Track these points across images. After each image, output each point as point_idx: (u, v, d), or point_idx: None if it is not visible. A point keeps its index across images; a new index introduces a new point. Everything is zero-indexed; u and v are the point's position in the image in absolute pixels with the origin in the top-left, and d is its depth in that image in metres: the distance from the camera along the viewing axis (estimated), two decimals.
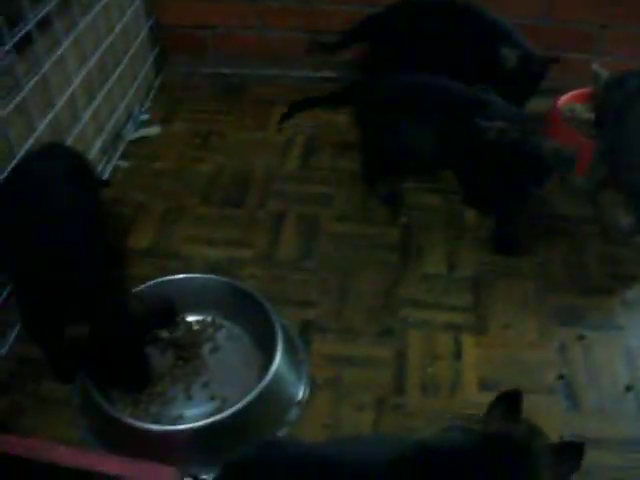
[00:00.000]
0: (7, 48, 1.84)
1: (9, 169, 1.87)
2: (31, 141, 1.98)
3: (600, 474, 1.61)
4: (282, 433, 1.70)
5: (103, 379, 1.68)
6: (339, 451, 1.33)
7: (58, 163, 1.90)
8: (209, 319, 1.94)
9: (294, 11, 2.87)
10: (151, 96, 2.91)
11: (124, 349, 1.63)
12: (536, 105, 2.56)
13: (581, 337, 1.94)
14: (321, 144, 2.64)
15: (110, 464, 1.25)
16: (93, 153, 2.40)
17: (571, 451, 1.28)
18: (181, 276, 1.96)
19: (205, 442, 1.62)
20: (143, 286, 1.89)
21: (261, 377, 1.70)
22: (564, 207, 2.36)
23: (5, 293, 1.89)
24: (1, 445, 1.27)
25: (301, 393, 1.78)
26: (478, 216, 2.31)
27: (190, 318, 1.94)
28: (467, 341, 1.93)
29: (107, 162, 2.53)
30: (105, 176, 2.47)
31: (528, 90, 2.52)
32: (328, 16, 2.83)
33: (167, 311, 1.70)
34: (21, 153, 1.93)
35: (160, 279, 1.93)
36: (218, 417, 1.61)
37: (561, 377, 1.83)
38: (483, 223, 2.28)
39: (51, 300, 1.62)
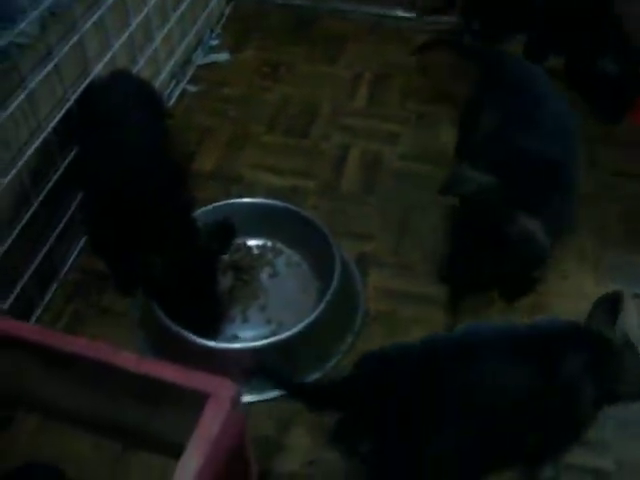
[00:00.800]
0: None
1: (85, 85, 1.91)
2: (107, 58, 2.01)
3: None
4: (333, 361, 1.74)
5: (174, 312, 1.70)
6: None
7: (128, 88, 1.94)
8: (270, 244, 1.98)
9: None
10: (222, 23, 2.89)
11: (199, 282, 1.68)
12: None
13: (636, 295, 1.92)
14: (389, 84, 2.60)
15: (170, 372, 1.28)
16: (163, 76, 2.41)
17: None
18: (246, 200, 1.99)
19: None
20: (208, 207, 1.92)
21: (317, 304, 1.73)
22: (625, 164, 2.28)
23: (72, 207, 1.95)
24: (71, 346, 1.32)
25: (355, 324, 1.82)
26: None
27: (251, 242, 1.98)
28: None
29: (176, 85, 2.55)
30: (173, 99, 2.50)
31: (631, 94, 2.37)
32: None
33: (227, 233, 1.73)
34: (97, 69, 1.96)
35: (225, 202, 1.96)
36: (273, 339, 1.66)
37: None
38: None
39: (120, 221, 1.66)
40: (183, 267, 1.62)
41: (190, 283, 1.65)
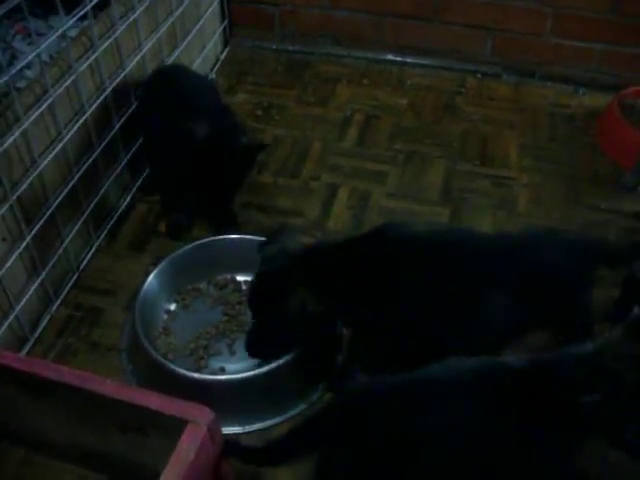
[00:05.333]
0: (87, 9, 1.93)
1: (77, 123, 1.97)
2: (100, 100, 2.07)
3: None
4: (318, 394, 1.77)
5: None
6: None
7: (192, 75, 2.29)
8: None
9: None
10: (217, 67, 2.98)
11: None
12: (596, 100, 2.60)
13: None
14: (378, 125, 2.67)
15: (151, 400, 1.32)
16: None
17: None
18: (234, 237, 2.02)
19: (241, 395, 1.70)
20: (196, 243, 1.98)
21: None
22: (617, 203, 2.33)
23: (65, 242, 1.99)
24: (57, 374, 1.35)
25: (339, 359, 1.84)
26: (530, 202, 2.32)
27: (240, 277, 2.01)
28: None
29: None
30: None
31: None
32: None
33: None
34: (90, 111, 2.02)
35: (213, 238, 2.00)
36: (257, 371, 1.68)
37: None
38: (533, 211, 2.29)
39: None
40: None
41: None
